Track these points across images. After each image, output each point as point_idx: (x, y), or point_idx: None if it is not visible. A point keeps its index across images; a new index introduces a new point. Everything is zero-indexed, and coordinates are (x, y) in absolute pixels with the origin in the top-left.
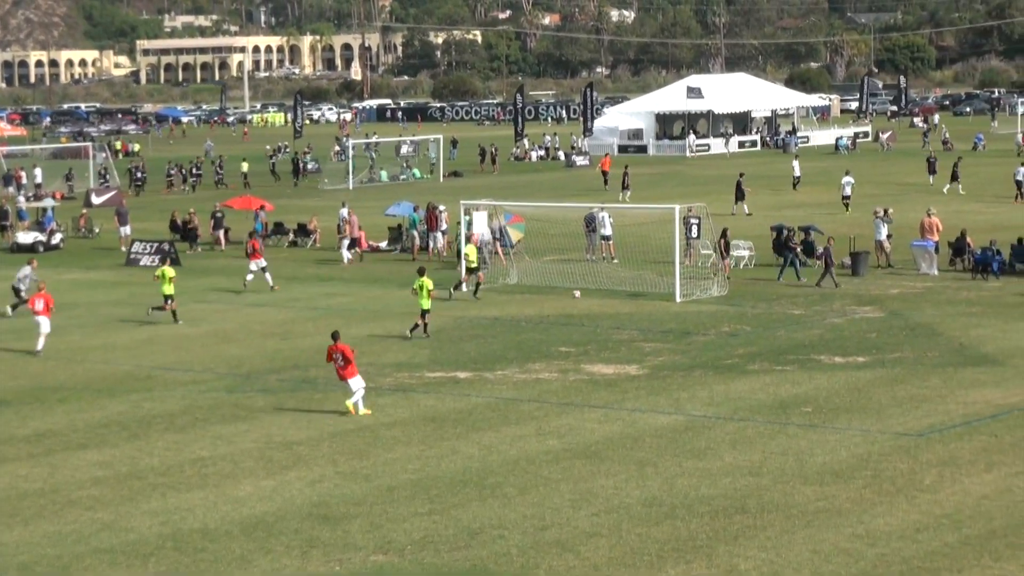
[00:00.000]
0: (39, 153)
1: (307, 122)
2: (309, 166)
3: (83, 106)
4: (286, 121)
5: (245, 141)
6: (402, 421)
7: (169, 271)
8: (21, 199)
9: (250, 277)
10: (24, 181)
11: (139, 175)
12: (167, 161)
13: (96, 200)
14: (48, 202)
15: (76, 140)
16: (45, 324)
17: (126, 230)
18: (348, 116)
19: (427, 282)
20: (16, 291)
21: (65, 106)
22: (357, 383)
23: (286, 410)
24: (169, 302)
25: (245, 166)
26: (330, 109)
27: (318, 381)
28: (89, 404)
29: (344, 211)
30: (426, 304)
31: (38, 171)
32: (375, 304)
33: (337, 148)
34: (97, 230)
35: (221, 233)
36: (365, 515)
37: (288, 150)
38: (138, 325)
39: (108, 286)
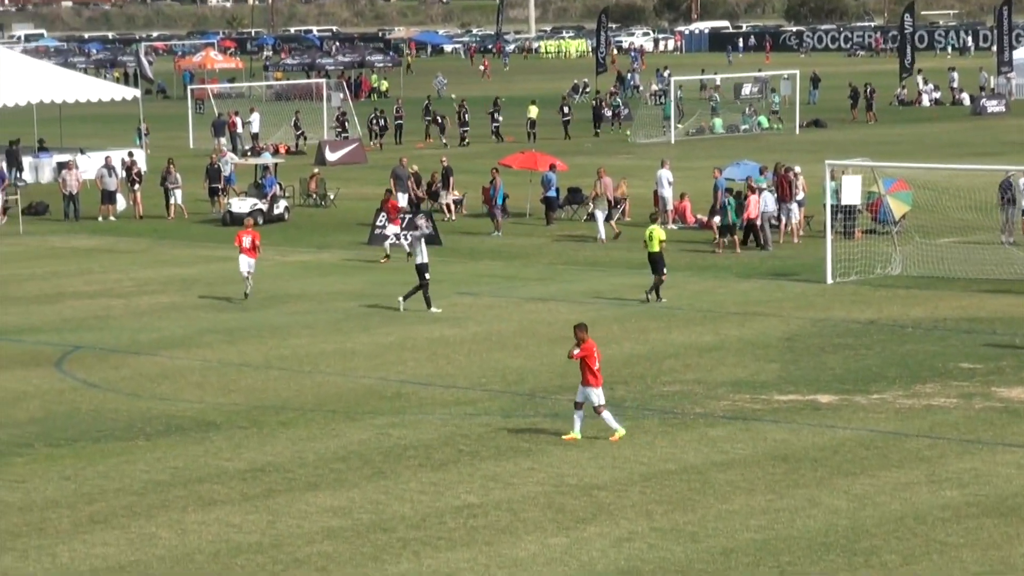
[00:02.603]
0: (259, 92)
1: (616, 51)
2: (621, 112)
3: (315, 30)
4: (586, 50)
5: (487, 80)
6: (742, 460)
7: (659, 232)
8: (231, 156)
9: (393, 243)
10: (239, 130)
11: (397, 121)
12: (428, 99)
13: (331, 156)
14: (265, 158)
15: (306, 75)
16: (248, 264)
17: (404, 199)
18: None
19: None
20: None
21: (292, 30)
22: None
23: (583, 442)
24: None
25: (533, 111)
26: (645, 34)
27: (626, 403)
28: (320, 430)
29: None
30: None
31: (255, 116)
32: (703, 300)
33: (656, 87)
34: (332, 196)
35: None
36: None
37: (589, 89)
38: (385, 322)
39: (346, 271)
